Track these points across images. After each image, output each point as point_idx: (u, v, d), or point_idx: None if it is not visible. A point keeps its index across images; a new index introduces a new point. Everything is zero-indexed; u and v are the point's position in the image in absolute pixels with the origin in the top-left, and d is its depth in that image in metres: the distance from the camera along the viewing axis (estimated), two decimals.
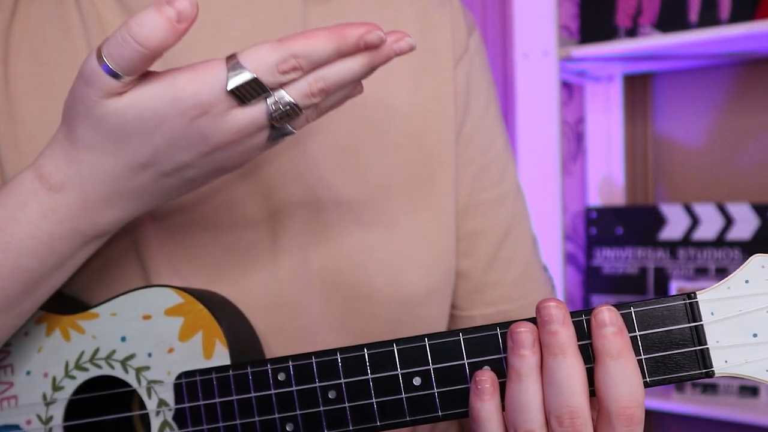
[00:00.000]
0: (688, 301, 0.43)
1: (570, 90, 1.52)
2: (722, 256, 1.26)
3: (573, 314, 0.43)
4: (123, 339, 0.52)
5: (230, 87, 0.41)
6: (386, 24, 0.66)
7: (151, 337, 0.51)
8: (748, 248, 1.24)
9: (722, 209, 1.27)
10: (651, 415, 1.41)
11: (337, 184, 0.61)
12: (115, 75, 0.41)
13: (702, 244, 1.28)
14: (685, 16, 1.25)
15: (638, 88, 1.44)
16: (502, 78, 1.55)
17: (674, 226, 1.30)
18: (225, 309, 0.53)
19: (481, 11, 1.57)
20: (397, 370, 0.46)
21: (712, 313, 0.43)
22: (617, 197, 1.41)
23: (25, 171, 0.47)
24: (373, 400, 0.46)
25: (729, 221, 1.26)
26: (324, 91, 0.44)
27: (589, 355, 0.43)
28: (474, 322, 0.72)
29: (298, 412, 0.48)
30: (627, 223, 1.34)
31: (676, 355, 0.43)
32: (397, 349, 0.46)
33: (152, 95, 0.42)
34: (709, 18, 1.21)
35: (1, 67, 0.58)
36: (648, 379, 0.43)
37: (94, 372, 0.53)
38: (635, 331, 0.43)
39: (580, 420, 0.42)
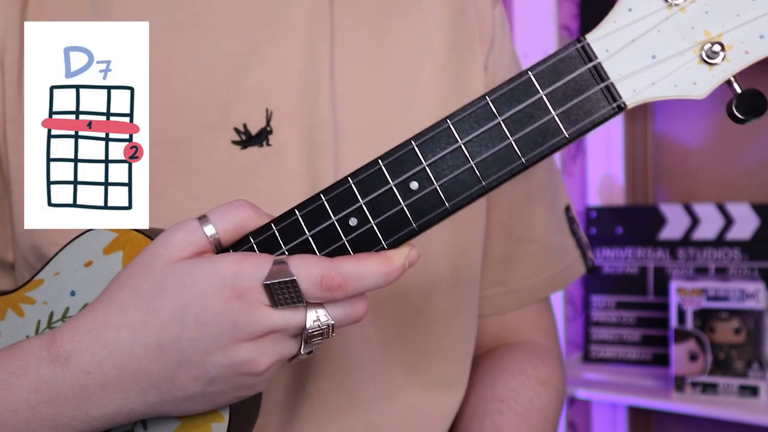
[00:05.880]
0: (579, 45, 0.43)
1: None
2: (722, 256, 1.26)
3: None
4: (72, 294, 0.51)
5: (266, 281, 0.41)
6: (419, 4, 0.66)
7: (97, 281, 0.50)
8: (748, 248, 1.24)
9: (722, 209, 1.27)
10: (651, 415, 1.41)
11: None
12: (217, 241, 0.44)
13: (702, 244, 1.28)
14: None
15: None
16: None
17: (674, 226, 1.30)
18: (157, 231, 0.52)
19: None
20: (331, 218, 0.44)
21: (606, 50, 0.42)
22: (617, 197, 1.41)
23: (41, 335, 0.45)
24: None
25: (729, 221, 1.26)
26: (363, 314, 0.44)
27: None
28: (486, 302, 0.73)
29: None
30: (627, 223, 1.34)
31: (585, 100, 0.42)
32: (325, 200, 0.45)
33: (197, 264, 0.42)
34: None
35: (16, 67, 0.56)
36: (567, 134, 0.42)
37: None
38: (540, 92, 0.42)
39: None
